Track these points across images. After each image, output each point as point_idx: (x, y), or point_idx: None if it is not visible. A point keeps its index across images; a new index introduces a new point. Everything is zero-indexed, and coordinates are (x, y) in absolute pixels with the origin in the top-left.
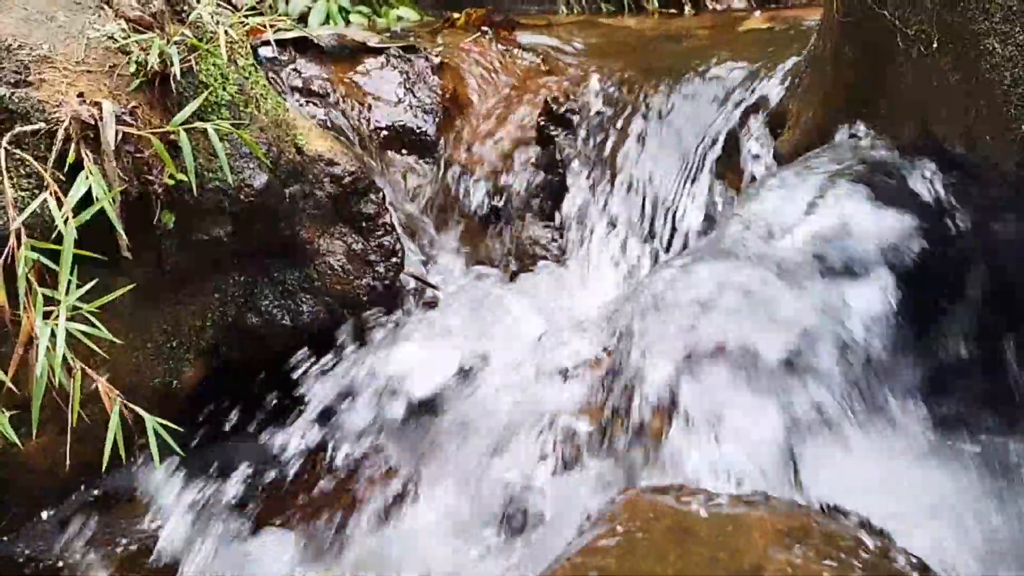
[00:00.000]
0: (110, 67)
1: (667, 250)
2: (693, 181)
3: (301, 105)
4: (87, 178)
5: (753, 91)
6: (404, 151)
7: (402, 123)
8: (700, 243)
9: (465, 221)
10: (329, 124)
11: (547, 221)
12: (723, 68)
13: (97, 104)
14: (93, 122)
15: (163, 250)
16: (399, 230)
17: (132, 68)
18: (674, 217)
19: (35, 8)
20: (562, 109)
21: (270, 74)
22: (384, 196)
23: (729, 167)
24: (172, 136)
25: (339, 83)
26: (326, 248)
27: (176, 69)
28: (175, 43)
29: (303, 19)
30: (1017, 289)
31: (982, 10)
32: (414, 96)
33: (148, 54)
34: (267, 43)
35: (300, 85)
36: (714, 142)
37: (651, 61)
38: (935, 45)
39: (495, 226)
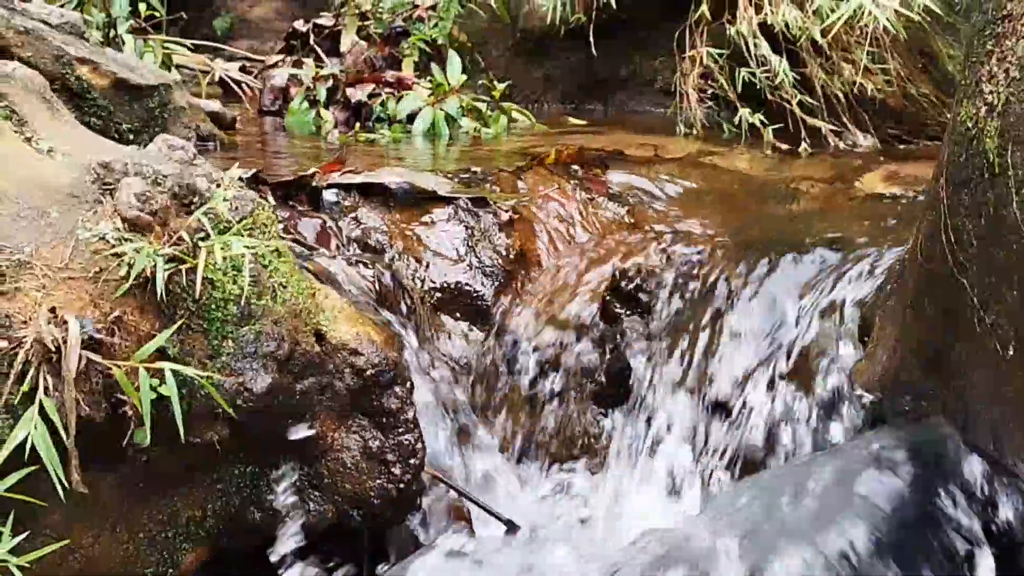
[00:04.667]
0: (96, 272)
1: (726, 467)
2: (765, 387)
3: (350, 263)
4: (32, 419)
5: (846, 286)
6: (458, 315)
7: (459, 284)
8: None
9: (513, 400)
10: (377, 286)
11: (601, 411)
12: (822, 251)
13: (65, 324)
14: (56, 347)
15: (150, 456)
16: (437, 408)
17: (123, 271)
18: (737, 427)
19: (29, 203)
20: (631, 285)
21: (329, 222)
22: (412, 387)
23: (806, 368)
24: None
25: (398, 236)
26: (340, 443)
27: (160, 283)
28: (160, 255)
29: (411, 119)
30: None
31: None
32: (475, 255)
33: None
34: (332, 186)
35: (358, 236)
36: (793, 343)
37: (747, 226)
38: (1011, 352)
39: (544, 409)
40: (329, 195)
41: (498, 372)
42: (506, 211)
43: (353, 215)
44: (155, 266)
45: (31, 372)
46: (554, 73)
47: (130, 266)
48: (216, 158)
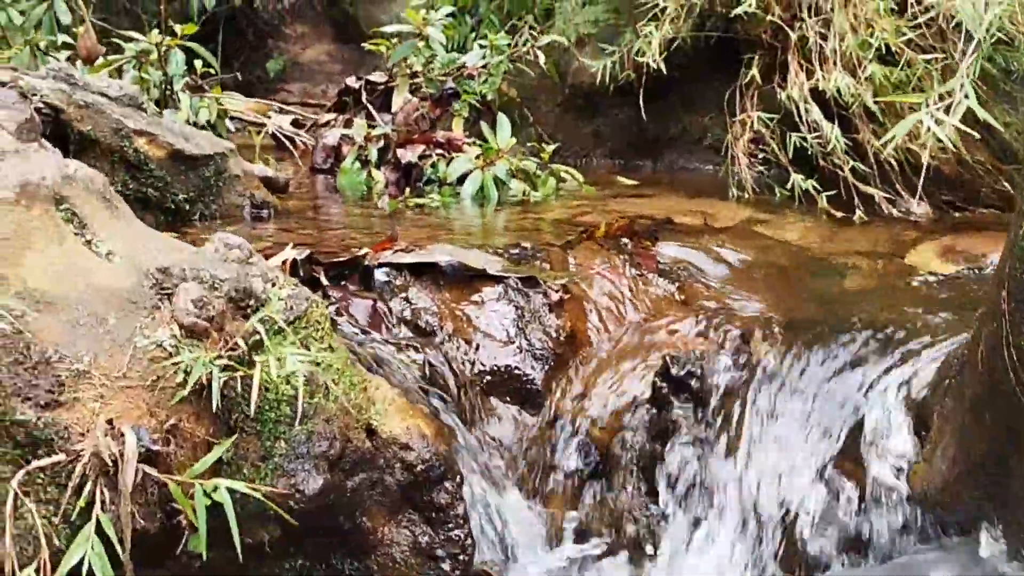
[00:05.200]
0: (153, 380)
1: (777, 562)
2: (816, 481)
3: (400, 348)
4: (88, 537)
5: (901, 377)
6: (508, 399)
7: (508, 367)
8: None
9: (561, 484)
10: (427, 371)
11: (650, 498)
12: (877, 336)
13: (122, 436)
14: (113, 460)
15: (202, 558)
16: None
17: (179, 378)
18: (788, 522)
19: (88, 309)
20: (682, 371)
21: (379, 303)
22: (462, 481)
23: (859, 463)
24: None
25: (448, 317)
26: (390, 538)
27: (216, 393)
28: (216, 364)
29: (461, 181)
30: None
31: None
32: (525, 337)
33: (199, 366)
34: (384, 265)
35: (408, 317)
36: (847, 436)
37: (798, 304)
38: None
39: (592, 492)
40: (380, 275)
41: (548, 458)
42: (556, 291)
43: (404, 295)
44: (211, 374)
45: (88, 485)
46: (603, 130)
47: (187, 373)
48: (270, 228)
